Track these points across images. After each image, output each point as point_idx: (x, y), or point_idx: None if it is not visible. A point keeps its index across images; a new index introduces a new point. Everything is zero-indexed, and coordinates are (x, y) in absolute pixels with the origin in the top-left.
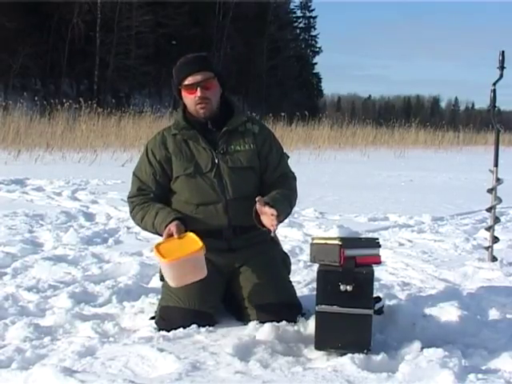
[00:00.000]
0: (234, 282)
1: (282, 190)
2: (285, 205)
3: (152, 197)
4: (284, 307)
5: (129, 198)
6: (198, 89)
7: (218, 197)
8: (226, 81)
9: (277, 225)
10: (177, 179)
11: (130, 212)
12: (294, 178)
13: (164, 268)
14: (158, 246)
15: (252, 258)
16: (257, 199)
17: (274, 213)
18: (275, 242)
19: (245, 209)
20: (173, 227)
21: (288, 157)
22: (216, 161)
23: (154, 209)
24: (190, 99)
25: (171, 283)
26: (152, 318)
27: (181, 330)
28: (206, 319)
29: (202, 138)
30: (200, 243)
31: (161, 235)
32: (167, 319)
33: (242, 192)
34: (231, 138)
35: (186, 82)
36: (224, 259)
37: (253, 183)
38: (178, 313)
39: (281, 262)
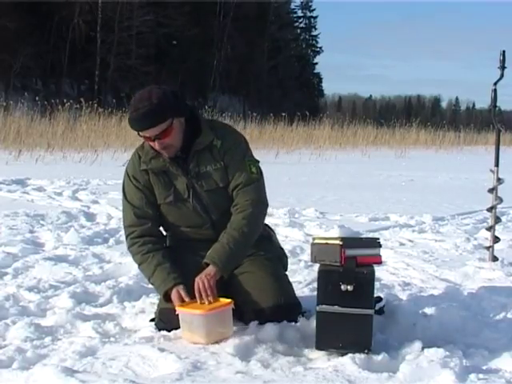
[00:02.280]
0: (230, 284)
1: (225, 236)
2: (227, 259)
3: (150, 226)
4: (283, 309)
5: (127, 226)
6: (156, 141)
7: (203, 220)
8: (185, 108)
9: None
10: (160, 205)
11: (128, 247)
12: (252, 189)
13: (197, 322)
14: (181, 305)
15: (245, 261)
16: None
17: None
18: (268, 238)
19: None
20: (182, 291)
21: (257, 161)
22: (191, 185)
23: (152, 261)
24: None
25: (202, 339)
26: (152, 319)
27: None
28: None
29: (171, 165)
30: (228, 299)
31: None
32: (166, 321)
33: (225, 208)
34: (201, 158)
35: (142, 134)
36: None
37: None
38: (177, 315)
39: (276, 259)
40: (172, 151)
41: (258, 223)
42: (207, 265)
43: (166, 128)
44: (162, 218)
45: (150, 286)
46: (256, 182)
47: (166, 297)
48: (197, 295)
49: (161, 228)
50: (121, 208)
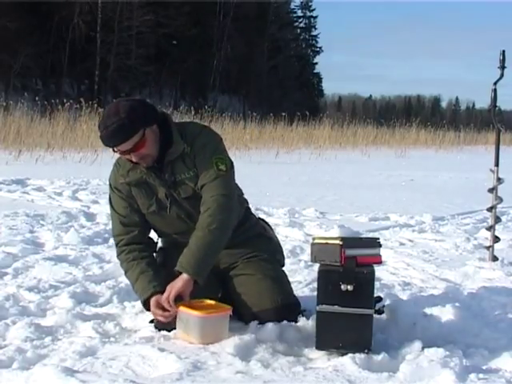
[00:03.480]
0: (227, 286)
1: (193, 239)
2: (197, 263)
3: (137, 234)
4: (282, 310)
5: (115, 235)
6: (132, 155)
7: (188, 226)
8: (156, 115)
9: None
10: (145, 214)
11: (117, 256)
12: (214, 185)
13: (193, 323)
14: (184, 304)
15: (240, 261)
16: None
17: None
18: (260, 235)
19: None
20: (159, 301)
21: (227, 158)
22: (169, 194)
23: (136, 269)
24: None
25: (196, 340)
26: (151, 321)
27: None
28: None
29: (148, 176)
30: (228, 306)
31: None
32: (166, 323)
33: None
34: (175, 167)
35: (116, 149)
36: None
37: None
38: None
39: (272, 258)
40: (149, 160)
41: (224, 219)
42: (180, 272)
43: (138, 140)
44: (149, 224)
45: None
46: (221, 177)
47: (146, 305)
48: (165, 304)
49: (150, 234)
50: None
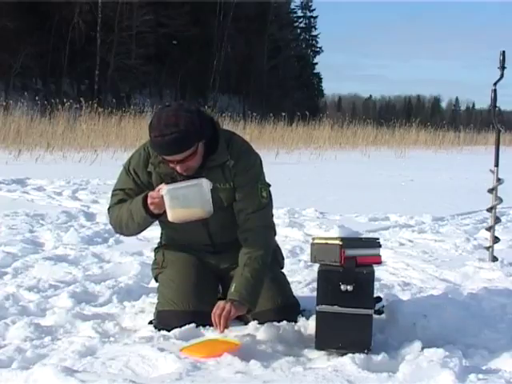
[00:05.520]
0: (227, 286)
1: (247, 269)
2: (252, 292)
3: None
4: (282, 310)
5: (109, 208)
6: (178, 166)
7: (199, 231)
8: (209, 129)
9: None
10: None
11: (110, 219)
12: (260, 215)
13: (194, 194)
14: (187, 348)
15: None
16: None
17: (224, 313)
18: None
19: (228, 233)
20: (155, 193)
21: (269, 185)
22: None
23: (127, 203)
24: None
25: (200, 210)
26: (150, 322)
27: (181, 329)
28: (205, 319)
29: (179, 175)
30: (238, 342)
31: (137, 219)
32: (165, 323)
33: (224, 224)
34: (211, 174)
35: (163, 157)
36: (211, 259)
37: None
38: (175, 316)
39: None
40: (192, 171)
41: (271, 249)
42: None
43: (190, 154)
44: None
45: (150, 285)
46: (266, 207)
47: (146, 207)
48: (212, 318)
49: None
50: None
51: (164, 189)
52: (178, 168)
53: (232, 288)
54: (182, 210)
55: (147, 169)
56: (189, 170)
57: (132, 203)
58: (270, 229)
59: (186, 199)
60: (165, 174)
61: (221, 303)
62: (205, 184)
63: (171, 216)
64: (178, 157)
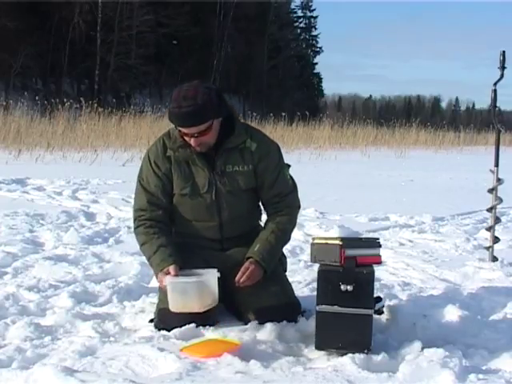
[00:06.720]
0: (228, 286)
1: (273, 235)
2: (272, 258)
3: (160, 214)
4: (283, 309)
5: (137, 209)
6: (192, 139)
7: (212, 217)
8: (226, 109)
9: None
10: (174, 195)
11: (134, 228)
12: (293, 197)
13: (191, 289)
14: (187, 348)
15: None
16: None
17: (247, 273)
18: None
19: (238, 224)
20: (173, 270)
21: (289, 166)
22: (213, 182)
23: (156, 242)
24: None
25: (196, 305)
26: (151, 320)
27: (181, 329)
28: (205, 319)
29: (198, 158)
30: (238, 342)
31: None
32: (165, 322)
33: (237, 212)
34: (229, 157)
35: (180, 129)
36: (216, 258)
37: (250, 202)
38: (176, 315)
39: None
40: (205, 146)
41: (295, 227)
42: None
43: (205, 129)
44: (171, 207)
45: (150, 285)
46: (294, 189)
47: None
48: (240, 274)
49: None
50: (120, 208)
51: (167, 281)
52: (192, 142)
53: (256, 248)
54: (180, 301)
55: (166, 154)
56: (202, 145)
57: (150, 259)
58: (298, 208)
59: (185, 293)
60: (182, 159)
61: (246, 263)
62: (207, 278)
63: (170, 305)
64: (193, 129)
